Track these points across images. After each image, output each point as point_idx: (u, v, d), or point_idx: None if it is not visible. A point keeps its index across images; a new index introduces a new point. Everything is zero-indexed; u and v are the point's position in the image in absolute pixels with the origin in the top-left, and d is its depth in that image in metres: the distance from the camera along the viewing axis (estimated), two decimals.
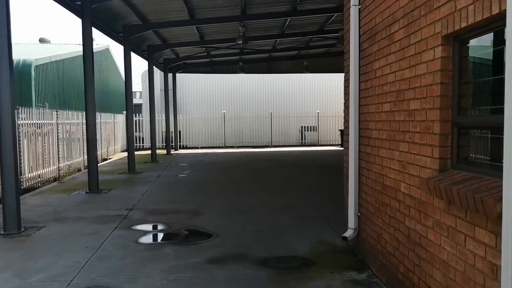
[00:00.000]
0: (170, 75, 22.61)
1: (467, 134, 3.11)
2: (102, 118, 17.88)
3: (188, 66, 24.12)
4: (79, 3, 10.03)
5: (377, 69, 4.49)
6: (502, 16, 2.33)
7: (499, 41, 2.69)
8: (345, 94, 5.88)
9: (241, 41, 15.23)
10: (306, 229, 6.60)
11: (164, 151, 21.17)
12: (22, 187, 10.37)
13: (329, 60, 25.56)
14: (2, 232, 6.38)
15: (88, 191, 10.07)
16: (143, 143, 24.41)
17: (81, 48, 10.32)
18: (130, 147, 13.88)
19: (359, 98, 5.13)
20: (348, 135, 5.42)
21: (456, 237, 2.91)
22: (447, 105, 3.14)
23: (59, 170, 12.76)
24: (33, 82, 16.67)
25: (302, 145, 25.85)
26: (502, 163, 2.20)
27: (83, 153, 14.56)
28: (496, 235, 2.46)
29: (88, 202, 8.91)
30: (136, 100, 35.58)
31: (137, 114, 24.25)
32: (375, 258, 4.62)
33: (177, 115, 23.90)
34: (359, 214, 5.23)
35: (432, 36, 3.22)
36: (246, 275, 4.71)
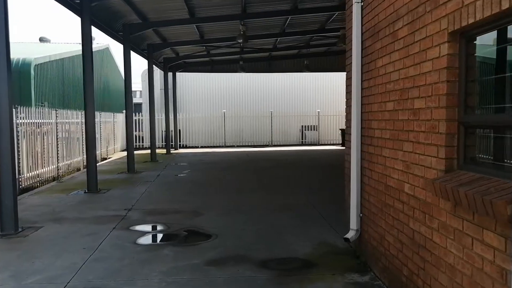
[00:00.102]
0: (170, 74, 22.52)
1: (474, 133, 3.02)
2: (101, 117, 17.79)
3: (188, 65, 24.03)
4: (78, 1, 9.95)
5: (380, 67, 4.40)
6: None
7: (508, 37, 2.61)
8: (347, 92, 5.79)
9: (241, 40, 15.14)
10: (307, 229, 6.51)
11: (164, 151, 21.08)
12: (20, 186, 10.30)
13: (330, 59, 25.45)
14: None
15: (87, 190, 9.99)
16: (143, 142, 24.33)
17: (81, 47, 10.22)
18: (129, 147, 13.79)
19: (362, 97, 5.04)
20: (350, 134, 5.33)
21: (463, 240, 2.83)
22: (454, 103, 3.05)
23: (58, 169, 12.67)
24: (32, 81, 16.57)
25: (302, 144, 25.76)
26: None
27: (83, 152, 14.46)
28: (506, 239, 2.37)
29: (86, 202, 8.83)
30: (136, 99, 35.47)
31: (137, 113, 24.17)
32: (378, 260, 4.53)
33: (177, 114, 23.81)
34: (361, 215, 5.14)
35: (437, 33, 3.13)
36: (246, 277, 4.63)
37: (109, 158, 18.66)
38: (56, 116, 12.75)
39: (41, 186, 11.27)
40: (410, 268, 3.69)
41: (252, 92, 26.15)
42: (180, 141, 24.41)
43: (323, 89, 26.45)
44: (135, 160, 13.91)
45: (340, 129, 24.59)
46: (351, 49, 5.26)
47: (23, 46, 20.92)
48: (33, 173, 11.11)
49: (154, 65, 18.66)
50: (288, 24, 16.19)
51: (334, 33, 17.54)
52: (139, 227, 6.76)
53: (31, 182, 10.94)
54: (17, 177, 10.07)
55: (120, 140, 21.95)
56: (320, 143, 25.85)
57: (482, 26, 2.73)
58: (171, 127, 22.51)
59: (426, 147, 3.35)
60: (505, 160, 2.72)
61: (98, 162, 15.92)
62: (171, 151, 21.11)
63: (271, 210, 7.86)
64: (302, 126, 26.13)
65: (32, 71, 16.55)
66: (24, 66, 16.37)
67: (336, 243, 5.80)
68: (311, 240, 5.94)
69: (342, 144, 23.84)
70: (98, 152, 16.35)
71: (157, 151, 18.41)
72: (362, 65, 5.01)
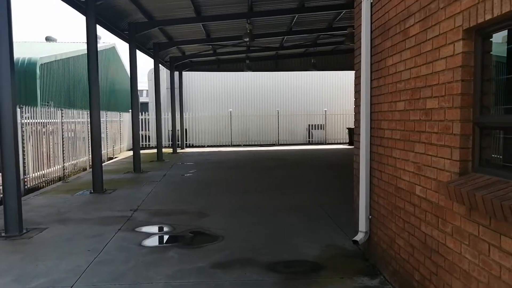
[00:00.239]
0: (176, 73, 22.47)
1: (490, 134, 2.89)
2: (108, 117, 17.77)
3: (194, 64, 23.96)
4: (83, 0, 9.88)
5: (390, 66, 4.28)
6: None
7: None
8: (355, 92, 5.67)
9: (247, 39, 15.04)
10: (315, 231, 6.40)
11: (170, 150, 21.05)
12: (26, 187, 10.28)
13: (337, 57, 25.29)
14: (3, 234, 6.24)
15: (92, 191, 9.94)
16: (149, 141, 24.32)
17: (86, 46, 10.16)
18: (135, 146, 13.74)
19: (371, 96, 4.93)
20: (359, 134, 5.21)
21: (478, 245, 2.71)
22: (468, 103, 2.93)
23: (63, 169, 12.65)
24: (38, 80, 16.58)
25: (309, 143, 25.63)
26: None
27: (89, 152, 14.44)
28: None
29: (92, 203, 8.77)
30: (142, 99, 35.48)
31: (144, 113, 24.15)
32: (388, 263, 4.41)
33: (183, 114, 23.76)
34: (370, 217, 5.02)
35: (451, 30, 3.01)
36: (253, 281, 4.53)
37: (115, 157, 18.64)
38: (62, 116, 12.72)
39: (47, 186, 11.24)
40: (422, 273, 3.57)
41: (259, 91, 26.04)
42: (186, 141, 24.36)
43: (330, 87, 26.30)
44: (141, 159, 13.86)
45: (347, 128, 24.44)
46: (360, 47, 5.14)
47: (29, 46, 20.96)
48: (38, 173, 11.09)
49: (160, 64, 18.61)
50: (295, 23, 16.06)
51: (342, 32, 17.40)
52: (145, 229, 6.68)
53: (36, 182, 10.91)
54: (22, 177, 10.09)
55: (127, 139, 21.94)
56: (327, 142, 25.70)
57: (500, 23, 2.61)
58: (178, 126, 22.47)
59: (439, 148, 3.24)
60: None
61: (104, 162, 15.92)
62: (177, 151, 21.07)
63: (278, 210, 7.76)
64: (309, 125, 26.00)
65: (38, 71, 16.56)
66: (30, 66, 16.38)
67: (345, 245, 5.69)
68: (319, 242, 5.84)
69: (349, 143, 23.69)
70: (104, 152, 16.33)
71: (164, 150, 18.37)
72: (371, 64, 4.90)
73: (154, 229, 6.78)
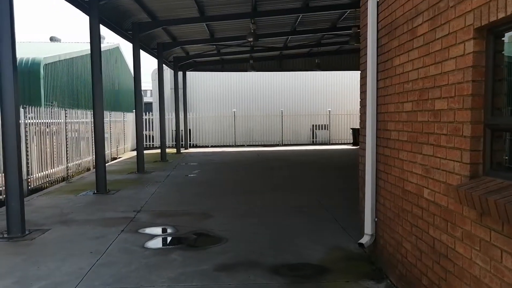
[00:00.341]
0: (180, 74, 22.43)
1: (502, 137, 2.81)
2: (111, 117, 17.75)
3: (198, 64, 23.91)
4: (87, 0, 9.84)
5: (397, 66, 4.20)
6: None
7: None
8: (361, 92, 5.59)
9: (251, 39, 14.98)
10: (319, 233, 6.33)
11: (174, 150, 21.00)
12: (30, 187, 10.25)
13: (341, 57, 25.18)
14: (5, 236, 6.20)
15: (96, 191, 9.90)
16: (153, 141, 24.29)
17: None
18: (139, 146, 13.69)
19: (377, 97, 4.85)
20: (365, 135, 5.13)
21: (490, 251, 2.63)
22: (479, 105, 2.85)
23: (67, 169, 12.62)
24: (42, 80, 16.57)
25: (313, 143, 25.53)
26: None
27: (92, 152, 14.41)
28: None
29: (95, 203, 8.73)
30: (146, 99, 35.51)
31: (147, 113, 24.13)
32: (395, 267, 4.33)
33: (187, 114, 23.70)
34: (376, 219, 4.94)
35: (462, 29, 2.93)
36: (258, 285, 4.46)
37: (119, 157, 18.62)
38: (66, 116, 12.70)
39: (50, 186, 11.21)
40: (430, 277, 3.49)
41: (263, 91, 25.96)
42: (190, 141, 24.32)
43: (334, 88, 26.19)
44: (145, 160, 13.82)
45: (351, 129, 24.32)
46: (366, 47, 5.06)
47: (34, 46, 20.97)
48: (42, 173, 11.06)
49: (164, 64, 18.57)
50: (299, 22, 15.98)
51: (346, 32, 17.30)
52: (148, 230, 6.62)
53: (40, 183, 10.89)
54: (26, 177, 10.07)
55: (131, 139, 21.91)
56: (331, 142, 25.59)
57: None
58: (181, 127, 22.42)
59: (448, 150, 3.16)
60: None
61: (108, 162, 15.90)
62: (181, 151, 21.03)
63: (282, 212, 7.69)
64: (313, 125, 25.89)
65: (41, 71, 16.55)
66: (34, 66, 16.37)
67: (350, 248, 5.61)
68: (323, 244, 5.76)
69: (353, 144, 23.58)
70: (108, 152, 16.31)
71: (167, 150, 18.33)
72: (377, 64, 4.82)
73: (157, 230, 6.72)
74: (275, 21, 15.59)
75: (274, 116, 25.38)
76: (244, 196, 9.26)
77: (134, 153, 16.50)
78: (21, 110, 10.02)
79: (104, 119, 11.15)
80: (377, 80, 4.82)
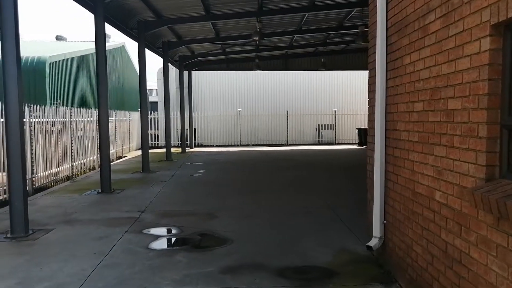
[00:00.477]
0: (185, 73, 22.36)
1: None
2: (117, 116, 17.72)
3: (204, 63, 23.85)
4: None
5: (407, 65, 4.09)
6: None
7: None
8: (369, 91, 5.48)
9: (257, 37, 14.88)
10: (326, 235, 6.22)
11: (179, 149, 20.95)
12: (34, 186, 10.22)
13: (347, 57, 25.04)
14: (9, 235, 6.14)
15: (100, 191, 9.84)
16: (158, 141, 24.26)
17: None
18: (144, 146, 13.64)
19: (386, 96, 4.74)
20: (373, 136, 5.02)
21: (508, 258, 2.52)
22: (496, 104, 2.73)
23: (72, 168, 12.58)
24: (47, 79, 16.56)
25: (318, 143, 25.40)
26: None
27: (97, 151, 14.37)
28: None
29: (99, 203, 8.67)
30: (152, 98, 35.55)
31: (153, 112, 24.10)
32: (404, 271, 4.22)
33: (193, 113, 23.65)
34: (384, 221, 4.83)
35: (477, 25, 2.82)
36: None
37: (124, 156, 18.58)
38: (71, 115, 12.65)
39: (55, 185, 11.17)
40: (442, 283, 3.38)
41: (268, 91, 25.85)
42: (195, 140, 24.26)
43: (339, 87, 26.04)
44: (150, 159, 13.76)
45: (357, 128, 24.17)
46: (374, 45, 4.95)
47: (39, 45, 20.98)
48: (47, 172, 11.03)
49: (169, 63, 18.51)
50: (305, 21, 15.87)
51: (352, 31, 17.17)
52: (152, 231, 6.54)
53: (45, 182, 10.85)
54: (31, 176, 10.03)
55: (136, 138, 21.89)
56: (336, 142, 25.45)
57: None
58: (187, 126, 22.36)
59: (462, 152, 3.05)
60: None
61: (113, 161, 15.86)
62: (186, 150, 20.97)
63: (288, 213, 7.59)
64: (318, 125, 25.76)
65: (47, 69, 16.54)
66: (39, 64, 16.36)
67: (357, 250, 5.50)
68: (330, 247, 5.66)
69: (359, 144, 23.42)
70: (113, 151, 16.27)
71: (173, 149, 18.29)
72: (387, 63, 4.71)
73: (161, 231, 6.64)
74: (281, 20, 15.49)
75: (279, 116, 25.27)
76: (250, 196, 9.17)
77: (139, 152, 16.47)
78: (26, 108, 9.99)
79: (109, 118, 11.10)
80: (387, 79, 4.71)
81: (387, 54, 4.69)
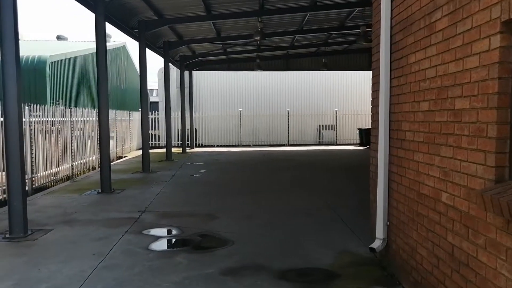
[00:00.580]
0: (186, 73, 22.29)
1: None
2: (117, 116, 17.65)
3: (205, 63, 23.78)
4: None
5: (413, 64, 4.02)
6: None
7: None
8: (373, 91, 5.41)
9: (258, 37, 14.82)
10: (328, 236, 6.14)
11: (180, 149, 20.88)
12: (34, 186, 10.15)
13: (348, 57, 24.95)
14: (7, 236, 6.07)
15: (100, 191, 9.77)
16: (159, 141, 24.19)
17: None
18: (144, 146, 13.57)
19: (390, 96, 4.66)
20: (377, 136, 4.95)
21: None
22: (506, 104, 2.66)
23: (72, 168, 12.51)
24: (48, 79, 16.50)
25: (319, 144, 25.32)
26: None
27: (98, 151, 14.31)
28: None
29: (99, 203, 8.60)
30: (152, 98, 35.49)
31: (153, 112, 24.04)
32: (408, 274, 4.15)
33: (193, 113, 23.58)
34: (388, 223, 4.76)
35: (487, 22, 2.75)
36: None
37: (124, 156, 18.52)
38: (71, 114, 12.59)
39: (55, 185, 11.11)
40: (448, 286, 3.31)
41: (269, 91, 25.78)
42: (196, 140, 24.19)
43: (341, 88, 25.95)
44: (150, 159, 13.68)
45: (358, 129, 24.08)
46: (378, 44, 4.88)
47: (40, 44, 20.93)
48: (47, 172, 10.96)
49: (170, 63, 18.44)
50: (307, 21, 15.80)
51: (354, 31, 17.10)
52: (152, 231, 6.47)
53: (45, 181, 10.79)
54: (31, 176, 9.97)
55: (136, 138, 21.82)
56: (337, 143, 25.37)
57: None
58: (187, 126, 22.29)
59: (470, 152, 2.97)
60: None
61: (114, 161, 15.79)
62: (187, 150, 20.90)
63: (289, 213, 7.52)
64: (319, 125, 25.68)
65: (47, 69, 16.48)
66: (40, 64, 16.30)
67: (359, 252, 5.43)
68: (332, 248, 5.58)
69: (360, 144, 23.34)
70: (113, 151, 16.21)
71: (173, 150, 18.21)
72: (391, 62, 4.63)
73: (161, 232, 6.57)
74: (283, 19, 15.42)
75: (280, 116, 25.20)
76: (250, 197, 9.10)
77: (140, 152, 16.41)
78: (26, 108, 9.93)
79: (110, 118, 11.03)
80: (391, 79, 4.64)
81: (391, 53, 4.61)
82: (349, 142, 25.29)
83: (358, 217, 7.08)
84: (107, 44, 11.22)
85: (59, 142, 11.82)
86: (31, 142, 10.04)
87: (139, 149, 20.76)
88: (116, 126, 17.21)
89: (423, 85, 3.78)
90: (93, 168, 14.34)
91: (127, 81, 27.32)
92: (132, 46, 24.58)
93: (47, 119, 11.05)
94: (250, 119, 25.16)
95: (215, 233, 6.34)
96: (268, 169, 14.02)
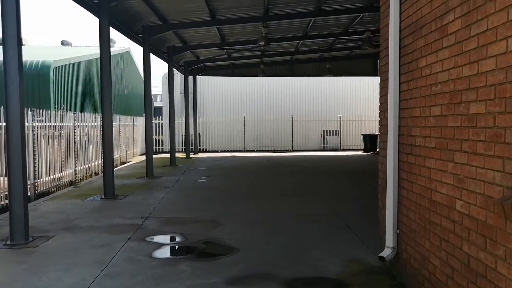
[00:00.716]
0: (190, 78, 22.25)
1: None
2: (121, 121, 17.60)
3: (209, 68, 23.75)
4: (96, 1, 9.67)
5: (423, 67, 3.91)
6: None
7: None
8: (381, 96, 5.30)
9: (263, 42, 14.77)
10: (335, 243, 6.01)
11: (184, 155, 20.80)
12: (37, 191, 10.07)
13: (352, 63, 24.89)
14: (8, 242, 5.96)
15: (103, 196, 9.67)
16: (162, 146, 24.11)
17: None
18: (148, 151, 13.49)
19: (400, 101, 4.55)
20: (385, 141, 4.84)
21: None
22: None
23: (75, 173, 12.43)
24: (52, 84, 16.47)
25: (323, 149, 25.18)
26: None
27: (101, 156, 14.23)
28: None
29: (102, 209, 8.50)
30: (156, 103, 35.49)
31: (157, 117, 23.97)
32: (420, 284, 4.02)
33: (197, 118, 23.52)
34: (398, 231, 4.63)
35: (504, 24, 2.64)
36: None
37: (128, 162, 18.45)
38: (74, 120, 12.53)
39: (58, 191, 11.03)
40: None
41: (273, 96, 25.68)
42: (199, 145, 24.10)
43: (345, 93, 25.82)
44: (154, 164, 13.60)
45: (362, 134, 23.94)
46: (387, 48, 4.78)
47: (44, 49, 20.94)
48: (50, 177, 10.89)
49: (174, 69, 18.40)
50: (311, 27, 15.76)
51: (358, 36, 17.03)
52: (156, 238, 6.36)
53: (48, 187, 10.72)
54: (33, 181, 9.90)
55: (140, 143, 21.76)
56: (341, 148, 25.22)
57: None
58: (191, 131, 22.23)
59: (487, 159, 2.85)
60: None
61: (117, 166, 15.72)
62: (190, 156, 20.82)
63: (295, 220, 7.39)
64: (323, 131, 25.54)
65: (51, 74, 16.46)
66: (44, 69, 16.28)
67: (368, 260, 5.30)
68: (340, 256, 5.45)
69: (364, 150, 23.18)
70: (117, 156, 16.14)
71: (177, 155, 18.12)
72: (400, 66, 4.52)
73: (165, 239, 6.46)
74: (287, 25, 15.38)
75: (284, 121, 25.09)
76: (254, 202, 8.98)
77: (143, 157, 16.33)
78: (29, 113, 9.87)
79: (114, 123, 10.98)
80: (400, 83, 4.53)
81: (400, 57, 4.51)
82: (353, 148, 25.14)
83: (364, 223, 6.95)
84: (111, 49, 11.16)
85: (62, 147, 11.75)
86: (34, 147, 9.97)
87: (142, 154, 20.68)
88: (119, 131, 17.15)
89: (435, 89, 3.67)
90: (96, 173, 14.26)
91: (131, 86, 27.31)
92: (136, 51, 24.62)
93: (50, 124, 10.99)
94: (254, 125, 25.06)
95: (219, 240, 6.23)
96: (272, 174, 13.90)
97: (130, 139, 19.69)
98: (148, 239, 6.31)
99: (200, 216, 7.81)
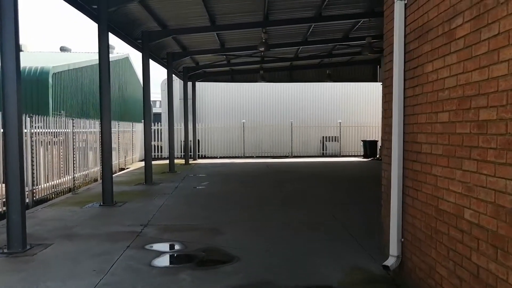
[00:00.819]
0: (189, 84, 22.19)
1: None
2: (120, 127, 17.50)
3: (208, 74, 23.70)
4: (95, 6, 9.61)
5: (430, 73, 3.84)
6: None
7: None
8: (384, 102, 5.23)
9: (262, 48, 14.74)
10: (337, 252, 5.91)
11: (183, 161, 20.70)
12: (35, 198, 9.96)
13: (352, 68, 24.86)
14: (5, 251, 5.85)
15: (102, 203, 9.56)
16: (161, 152, 24.00)
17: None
18: (147, 157, 13.39)
19: (404, 107, 4.48)
20: (390, 148, 4.76)
21: None
22: None
23: (74, 180, 12.31)
24: (50, 89, 16.40)
25: (323, 155, 25.10)
26: None
27: (100, 162, 14.13)
28: None
29: (100, 216, 8.39)
30: (155, 109, 35.43)
31: (156, 123, 23.89)
32: None
33: (196, 124, 23.43)
34: (402, 239, 4.54)
35: None
36: None
37: (127, 168, 18.33)
38: (73, 126, 12.43)
39: (56, 197, 10.91)
40: None
41: (272, 102, 25.62)
42: (199, 152, 24.01)
43: (344, 99, 25.77)
44: (153, 170, 13.49)
45: (362, 141, 23.88)
46: (391, 53, 4.71)
47: (43, 55, 20.89)
48: (48, 184, 10.78)
49: (173, 75, 18.34)
50: (311, 32, 15.71)
51: (358, 42, 17.00)
52: (155, 246, 6.25)
53: (46, 194, 10.60)
54: (31, 188, 9.78)
55: (139, 150, 21.66)
56: (341, 154, 25.14)
57: None
58: (190, 137, 22.13)
59: (498, 167, 2.77)
60: None
61: (116, 173, 15.61)
62: (189, 162, 20.71)
63: (296, 228, 7.29)
64: (323, 137, 25.47)
65: (50, 80, 16.38)
66: (42, 75, 16.22)
67: (371, 268, 5.19)
68: (342, 264, 5.35)
69: (364, 156, 23.11)
70: (115, 162, 16.03)
71: (176, 161, 18.02)
72: (405, 71, 4.46)
73: (164, 247, 6.35)
74: (287, 30, 15.34)
75: (283, 128, 25.02)
76: (254, 210, 8.88)
77: (142, 163, 16.21)
78: (28, 119, 9.78)
79: (112, 129, 10.88)
80: (405, 89, 4.46)
81: (405, 62, 4.44)
82: (353, 154, 25.06)
83: (365, 231, 6.85)
84: (110, 55, 11.11)
85: (61, 154, 11.65)
86: (32, 153, 9.87)
87: (141, 161, 20.56)
88: (118, 137, 17.05)
89: (442, 95, 3.60)
90: (95, 180, 14.15)
91: (130, 92, 27.25)
92: (136, 57, 24.62)
93: (48, 130, 10.89)
94: (253, 131, 24.99)
95: (219, 249, 6.13)
96: (272, 181, 13.80)
97: (129, 145, 19.59)
98: (147, 247, 6.20)
99: (199, 223, 7.71)
